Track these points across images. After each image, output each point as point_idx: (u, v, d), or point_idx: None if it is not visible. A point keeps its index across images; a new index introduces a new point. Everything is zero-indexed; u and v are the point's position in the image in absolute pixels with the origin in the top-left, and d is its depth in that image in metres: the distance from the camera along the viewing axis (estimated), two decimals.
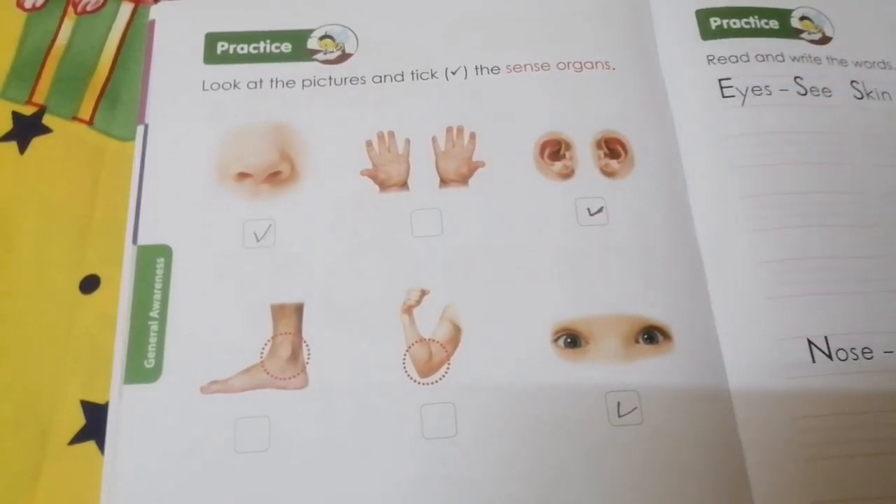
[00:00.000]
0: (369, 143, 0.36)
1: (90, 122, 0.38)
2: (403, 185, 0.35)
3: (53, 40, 0.40)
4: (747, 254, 0.34)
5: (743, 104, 0.37)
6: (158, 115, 0.37)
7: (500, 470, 0.30)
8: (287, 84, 0.38)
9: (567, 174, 0.35)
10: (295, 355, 0.32)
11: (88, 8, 0.41)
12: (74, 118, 0.38)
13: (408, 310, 0.33)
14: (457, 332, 0.32)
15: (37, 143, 0.37)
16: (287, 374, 0.32)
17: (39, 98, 0.38)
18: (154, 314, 0.32)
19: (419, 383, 0.32)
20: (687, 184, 0.36)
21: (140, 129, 0.37)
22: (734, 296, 0.33)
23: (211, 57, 0.38)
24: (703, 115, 0.37)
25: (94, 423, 0.32)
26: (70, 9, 0.41)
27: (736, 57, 0.38)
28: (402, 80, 0.38)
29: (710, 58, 0.38)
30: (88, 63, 0.39)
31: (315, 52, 0.38)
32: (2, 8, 0.40)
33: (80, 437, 0.32)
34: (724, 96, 0.37)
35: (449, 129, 0.36)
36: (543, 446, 0.31)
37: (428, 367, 0.32)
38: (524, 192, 0.35)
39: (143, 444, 0.31)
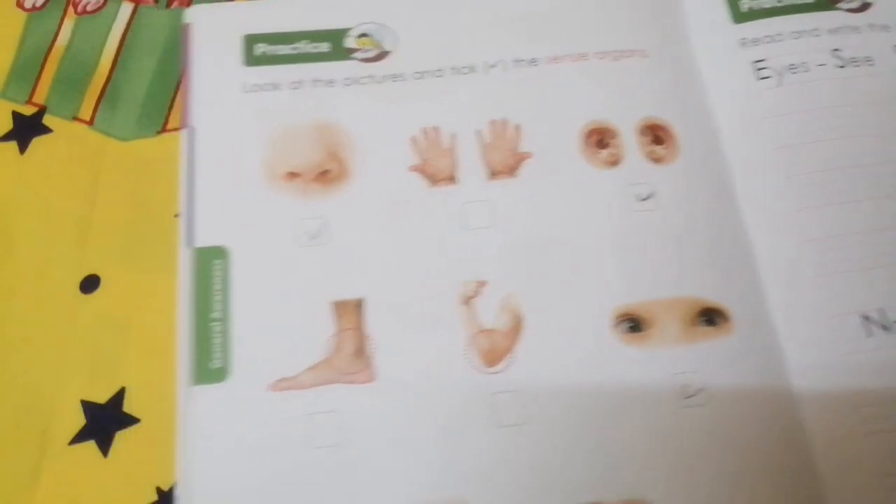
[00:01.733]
0: (415, 139, 0.36)
1: (90, 123, 0.38)
2: (452, 178, 0.35)
3: (53, 40, 0.40)
4: (795, 233, 0.34)
5: (780, 84, 0.37)
6: (202, 118, 0.37)
7: (570, 454, 0.31)
8: (328, 83, 0.38)
9: (614, 161, 0.36)
10: (360, 350, 0.32)
11: (88, 8, 0.41)
12: (75, 118, 0.38)
13: (466, 301, 0.33)
14: (518, 321, 0.33)
15: (37, 143, 0.37)
16: (354, 369, 0.32)
17: (39, 98, 0.38)
18: (216, 315, 0.33)
19: (485, 373, 0.32)
20: (731, 167, 0.36)
21: (184, 132, 0.37)
22: (784, 276, 0.34)
23: (250, 59, 0.38)
24: (740, 98, 0.38)
25: (95, 423, 0.32)
26: (70, 9, 0.41)
27: (770, 37, 0.39)
28: (442, 75, 0.38)
29: (743, 41, 0.39)
30: (89, 63, 0.39)
31: (353, 50, 0.39)
32: (2, 8, 0.40)
33: (80, 437, 0.32)
34: (759, 78, 0.38)
35: (493, 122, 0.37)
36: (612, 430, 0.31)
37: (492, 357, 0.32)
38: (573, 181, 0.35)
39: (216, 444, 0.31)
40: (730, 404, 0.31)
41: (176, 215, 0.35)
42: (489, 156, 0.36)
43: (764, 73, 0.38)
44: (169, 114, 0.38)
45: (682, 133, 0.36)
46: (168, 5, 0.41)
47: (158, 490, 0.31)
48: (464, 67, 0.38)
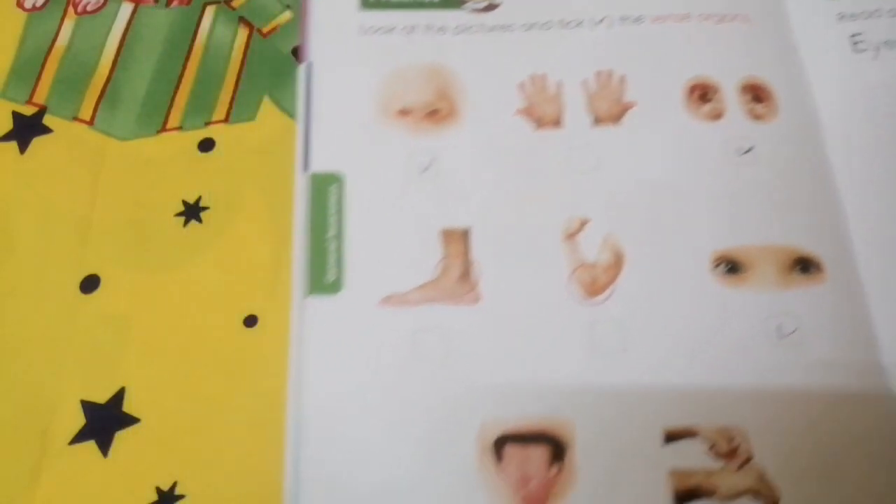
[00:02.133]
0: (522, 85, 0.38)
1: (90, 123, 0.38)
2: (557, 123, 0.37)
3: (54, 40, 0.40)
4: (886, 203, 0.35)
5: (876, 58, 0.39)
6: (319, 55, 0.39)
7: (667, 381, 0.32)
8: (439, 30, 0.39)
9: (716, 115, 0.37)
10: (465, 274, 0.34)
11: (89, 8, 0.41)
12: (75, 118, 0.38)
13: (569, 236, 0.34)
14: (618, 258, 0.34)
15: (37, 143, 0.37)
16: (460, 292, 0.33)
17: (40, 98, 0.38)
18: (331, 234, 0.34)
19: (585, 304, 0.33)
20: (827, 133, 0.37)
21: (302, 67, 0.38)
22: (877, 240, 0.35)
23: (366, 3, 0.40)
24: (837, 68, 0.39)
25: (95, 423, 0.32)
26: (70, 9, 0.40)
27: (867, 13, 0.40)
28: (550, 28, 0.40)
29: (841, 15, 0.40)
30: (89, 63, 0.39)
31: (465, 1, 0.40)
32: (2, 8, 0.40)
33: (80, 437, 0.31)
34: (856, 51, 0.39)
35: (598, 73, 0.38)
36: (709, 360, 0.32)
37: (593, 289, 0.34)
38: (676, 131, 0.37)
39: (326, 352, 0.32)
40: (822, 348, 0.32)
41: (176, 215, 0.36)
42: (594, 104, 0.37)
43: (861, 46, 0.39)
44: (169, 113, 0.38)
45: (781, 95, 0.38)
46: (168, 5, 0.41)
47: (158, 490, 0.31)
48: (571, 22, 0.40)
